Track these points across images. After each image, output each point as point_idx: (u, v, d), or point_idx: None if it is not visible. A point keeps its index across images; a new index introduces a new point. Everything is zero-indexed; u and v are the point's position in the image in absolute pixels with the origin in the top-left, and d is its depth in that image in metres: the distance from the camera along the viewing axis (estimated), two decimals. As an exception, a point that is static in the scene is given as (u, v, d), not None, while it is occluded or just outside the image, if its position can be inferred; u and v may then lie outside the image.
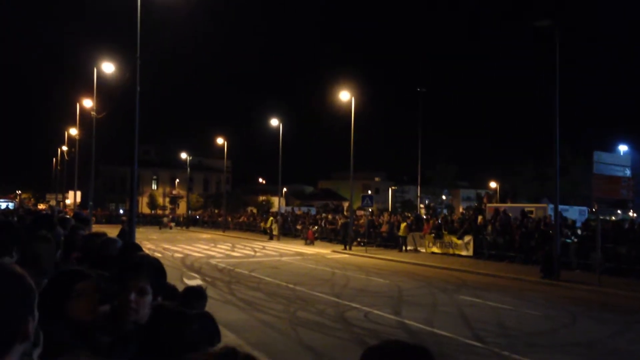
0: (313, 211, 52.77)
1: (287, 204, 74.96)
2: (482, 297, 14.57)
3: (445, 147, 78.43)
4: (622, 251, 19.44)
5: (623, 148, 44.10)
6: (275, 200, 62.31)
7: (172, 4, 19.39)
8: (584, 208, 31.64)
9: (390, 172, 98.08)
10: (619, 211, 35.92)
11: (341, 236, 33.75)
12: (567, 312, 12.71)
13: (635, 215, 43.00)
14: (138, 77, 14.73)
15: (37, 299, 1.89)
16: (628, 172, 19.40)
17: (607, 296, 15.43)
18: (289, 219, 44.28)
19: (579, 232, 22.75)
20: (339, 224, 35.95)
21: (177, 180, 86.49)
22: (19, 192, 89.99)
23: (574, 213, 28.49)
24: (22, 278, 1.90)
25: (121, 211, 68.57)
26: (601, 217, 19.26)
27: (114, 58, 25.91)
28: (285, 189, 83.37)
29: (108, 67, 25.70)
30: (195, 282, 15.56)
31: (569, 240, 21.52)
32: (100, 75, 27.87)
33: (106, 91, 32.22)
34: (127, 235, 12.19)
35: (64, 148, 55.14)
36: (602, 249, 17.59)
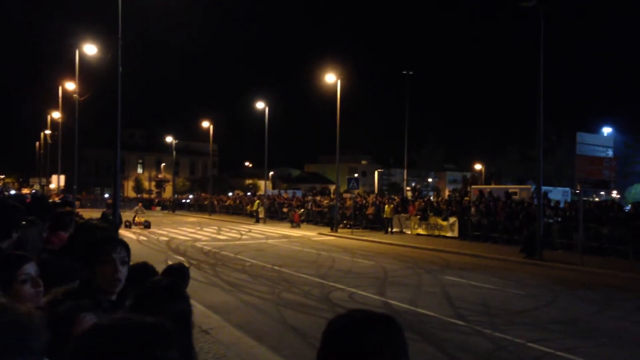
0: (299, 194, 52.79)
1: (273, 187, 74.92)
2: (466, 277, 14.72)
3: (432, 130, 78.65)
4: (604, 231, 19.71)
5: (607, 130, 44.56)
6: (262, 183, 62.25)
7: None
8: (567, 189, 32.01)
9: (377, 154, 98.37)
10: (602, 192, 36.35)
11: (327, 219, 33.85)
12: (550, 291, 12.88)
13: (618, 196, 43.54)
14: (120, 58, 14.53)
15: None
16: (610, 153, 19.60)
17: (589, 275, 15.66)
18: (276, 202, 44.26)
19: (562, 212, 23.01)
20: (326, 206, 36.05)
21: (163, 164, 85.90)
22: (2, 176, 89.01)
23: (557, 194, 28.81)
24: None
25: (106, 195, 68.10)
26: (585, 198, 19.48)
27: (97, 40, 25.50)
28: (272, 173, 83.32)
29: (90, 49, 25.26)
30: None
31: (551, 221, 21.76)
32: (83, 57, 27.45)
33: (89, 73, 31.82)
34: (109, 218, 12.13)
35: (47, 132, 54.48)
36: (584, 229, 17.80)
